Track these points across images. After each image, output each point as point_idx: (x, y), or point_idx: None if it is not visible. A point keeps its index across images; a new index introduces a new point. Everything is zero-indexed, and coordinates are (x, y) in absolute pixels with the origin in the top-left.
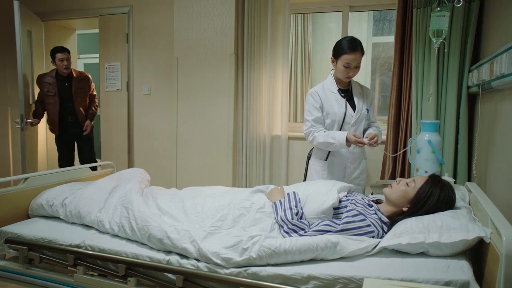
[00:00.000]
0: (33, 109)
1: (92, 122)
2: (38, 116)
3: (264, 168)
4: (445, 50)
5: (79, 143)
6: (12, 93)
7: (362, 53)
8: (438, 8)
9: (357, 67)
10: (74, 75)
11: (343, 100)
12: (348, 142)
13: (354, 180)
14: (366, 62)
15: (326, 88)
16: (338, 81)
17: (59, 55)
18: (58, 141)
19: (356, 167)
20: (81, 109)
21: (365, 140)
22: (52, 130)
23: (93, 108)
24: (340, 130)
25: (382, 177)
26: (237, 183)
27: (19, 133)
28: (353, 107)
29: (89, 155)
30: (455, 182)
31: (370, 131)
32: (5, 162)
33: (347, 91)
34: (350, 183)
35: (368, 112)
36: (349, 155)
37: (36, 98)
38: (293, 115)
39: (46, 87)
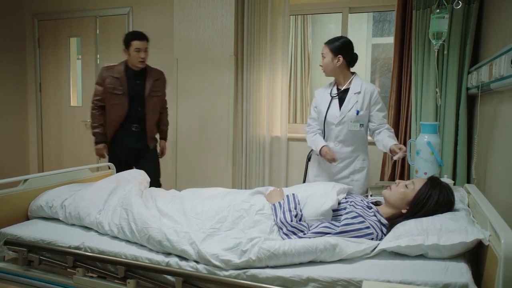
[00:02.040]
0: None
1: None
2: (101, 137)
3: (263, 169)
4: (445, 52)
5: (141, 161)
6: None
7: (328, 44)
8: (438, 10)
9: (323, 57)
10: (148, 71)
11: (332, 99)
12: (321, 154)
13: (341, 180)
14: (365, 63)
15: (327, 87)
16: (337, 80)
17: (136, 43)
18: (110, 155)
19: (344, 167)
20: (152, 118)
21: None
22: (99, 137)
23: (165, 122)
24: (323, 129)
25: (382, 179)
26: (236, 184)
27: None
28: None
29: (156, 177)
30: (454, 184)
31: (390, 142)
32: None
33: (345, 91)
34: (337, 182)
35: (358, 114)
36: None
37: (92, 101)
38: (293, 116)
39: (113, 83)
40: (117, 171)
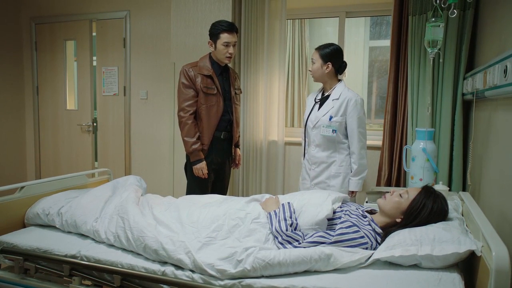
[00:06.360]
0: (187, 130)
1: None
2: (200, 153)
3: (261, 173)
4: (440, 60)
5: (220, 174)
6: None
7: (318, 50)
8: (433, 19)
9: (312, 63)
10: (228, 65)
11: (315, 104)
12: None
13: (319, 184)
14: (363, 65)
15: (316, 92)
16: (324, 86)
17: (225, 36)
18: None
19: (321, 171)
20: (237, 122)
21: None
22: (198, 154)
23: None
24: (305, 133)
25: (378, 184)
26: (234, 189)
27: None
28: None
29: (223, 192)
30: (449, 190)
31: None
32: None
33: (327, 97)
34: (314, 186)
35: (330, 120)
36: (310, 157)
37: (182, 109)
38: (290, 120)
39: (204, 82)
40: (200, 186)
